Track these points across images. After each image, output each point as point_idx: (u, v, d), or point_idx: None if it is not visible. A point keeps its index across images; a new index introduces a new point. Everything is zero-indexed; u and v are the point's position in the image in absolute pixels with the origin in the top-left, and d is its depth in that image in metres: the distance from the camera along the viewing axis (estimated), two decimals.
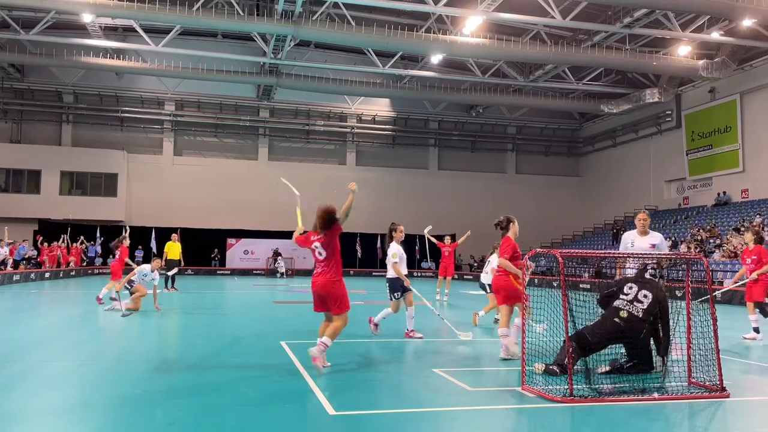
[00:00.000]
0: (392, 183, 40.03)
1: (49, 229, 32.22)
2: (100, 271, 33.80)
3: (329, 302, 6.91)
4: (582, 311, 6.79)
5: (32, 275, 25.23)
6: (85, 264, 31.85)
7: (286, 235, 36.59)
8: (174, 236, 20.77)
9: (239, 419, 5.13)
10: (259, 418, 5.22)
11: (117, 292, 13.80)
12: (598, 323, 6.80)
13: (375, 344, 9.23)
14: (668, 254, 7.73)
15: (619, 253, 7.98)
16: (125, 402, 5.69)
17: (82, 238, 31.58)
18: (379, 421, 5.28)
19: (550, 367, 6.74)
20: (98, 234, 34.10)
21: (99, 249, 34.35)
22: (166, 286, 20.14)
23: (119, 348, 8.78)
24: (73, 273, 29.51)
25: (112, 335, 10.12)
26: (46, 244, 28.35)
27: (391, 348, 9.03)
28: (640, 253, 7.80)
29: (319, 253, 6.91)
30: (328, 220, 6.81)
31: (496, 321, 11.18)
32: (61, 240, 29.31)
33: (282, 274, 35.45)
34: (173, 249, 20.20)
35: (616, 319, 6.76)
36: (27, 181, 35.65)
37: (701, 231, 28.01)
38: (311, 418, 5.23)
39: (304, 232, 7.28)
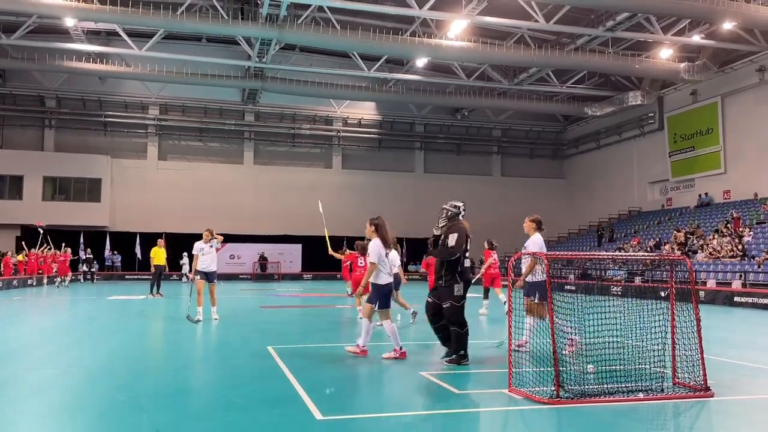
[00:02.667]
0: (378, 186, 39.96)
1: (31, 235, 31.72)
2: (83, 277, 33.41)
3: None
4: (568, 312, 6.82)
5: (15, 282, 24.92)
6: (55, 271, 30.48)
7: (272, 239, 37.18)
8: (160, 242, 20.65)
9: (226, 425, 5.10)
10: (246, 423, 5.19)
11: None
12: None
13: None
14: (653, 256, 7.80)
15: (604, 255, 8.04)
16: (111, 408, 5.64)
17: (63, 245, 31.02)
18: (367, 425, 5.28)
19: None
20: (81, 240, 33.69)
21: (83, 255, 33.92)
22: (151, 292, 20.02)
23: (104, 354, 8.69)
24: (56, 281, 29.10)
25: (97, 341, 10.02)
26: (32, 250, 27.90)
27: (377, 352, 9.01)
28: (626, 255, 7.86)
29: (361, 262, 11.98)
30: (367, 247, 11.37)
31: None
32: (38, 247, 28.74)
33: (186, 276, 30.96)
34: (159, 255, 20.08)
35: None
36: (9, 186, 35.18)
37: (678, 232, 28.21)
38: (298, 423, 5.20)
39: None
